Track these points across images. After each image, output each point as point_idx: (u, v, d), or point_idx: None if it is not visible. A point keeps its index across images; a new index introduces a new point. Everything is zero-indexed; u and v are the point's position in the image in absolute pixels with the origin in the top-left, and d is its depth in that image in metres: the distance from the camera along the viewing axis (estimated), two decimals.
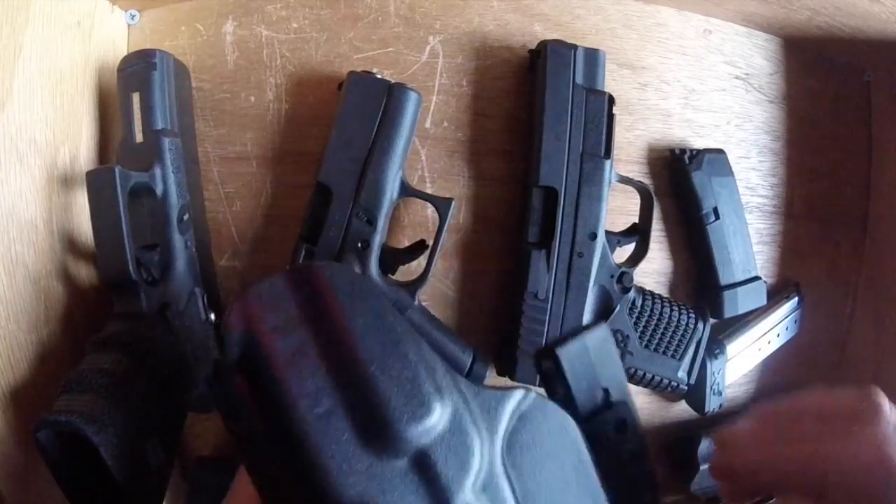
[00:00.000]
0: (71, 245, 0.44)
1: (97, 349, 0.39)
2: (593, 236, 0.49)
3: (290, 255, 0.47)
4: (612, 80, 0.53)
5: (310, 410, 0.19)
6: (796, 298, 0.59)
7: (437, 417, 0.20)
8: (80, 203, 0.45)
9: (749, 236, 0.56)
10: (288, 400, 0.20)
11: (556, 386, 0.27)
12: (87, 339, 0.40)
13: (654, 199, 0.52)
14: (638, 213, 0.53)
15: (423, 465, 0.20)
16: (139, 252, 0.42)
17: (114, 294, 0.42)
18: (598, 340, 0.27)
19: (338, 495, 0.19)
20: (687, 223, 0.57)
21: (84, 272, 0.45)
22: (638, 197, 0.53)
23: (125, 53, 0.49)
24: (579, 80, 0.49)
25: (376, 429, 0.20)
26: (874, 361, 0.60)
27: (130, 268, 0.40)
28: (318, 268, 0.23)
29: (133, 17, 0.50)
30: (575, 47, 0.49)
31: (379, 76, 0.47)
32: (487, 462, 0.21)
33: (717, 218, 0.54)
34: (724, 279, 0.54)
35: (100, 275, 0.44)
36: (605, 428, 0.26)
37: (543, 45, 0.49)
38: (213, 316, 0.46)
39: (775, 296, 0.59)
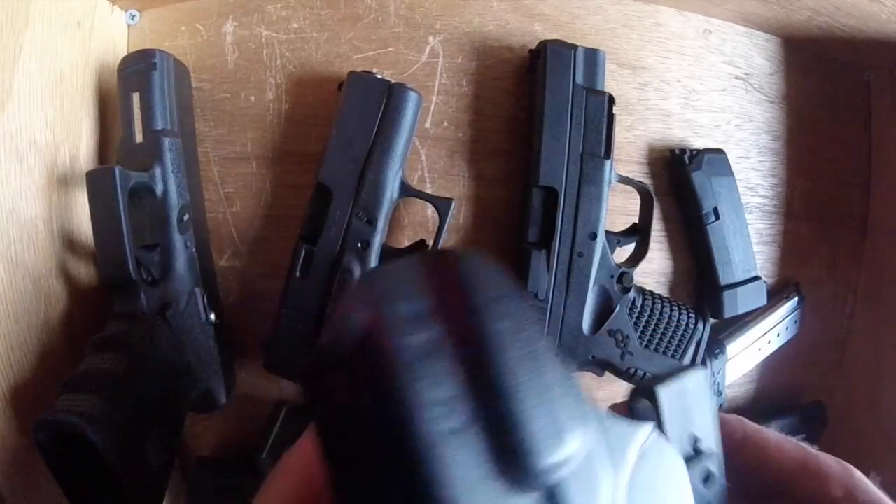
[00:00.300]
0: (71, 245, 0.44)
1: (97, 349, 0.39)
2: (593, 236, 0.49)
3: (290, 255, 0.47)
4: (612, 80, 0.53)
5: (437, 423, 0.16)
6: (796, 298, 0.59)
7: (576, 450, 0.17)
8: (80, 203, 0.45)
9: (749, 236, 0.56)
10: (410, 406, 0.16)
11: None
12: (87, 339, 0.40)
13: (654, 199, 0.52)
14: (638, 213, 0.53)
15: None
16: (139, 252, 0.42)
17: (114, 294, 0.42)
18: (698, 383, 0.25)
19: None
20: (687, 223, 0.56)
21: (84, 272, 0.45)
22: (638, 197, 0.53)
23: (125, 53, 0.49)
24: (579, 80, 0.49)
25: (513, 456, 0.16)
26: (874, 361, 0.60)
27: (130, 268, 0.40)
28: (459, 256, 0.19)
29: (133, 17, 0.50)
30: (575, 47, 0.49)
31: (379, 76, 0.47)
32: None
33: (717, 218, 0.54)
34: (724, 279, 0.54)
35: (100, 275, 0.44)
36: (692, 478, 0.23)
37: (543, 45, 0.49)
38: (213, 316, 0.46)
39: (775, 296, 0.59)
